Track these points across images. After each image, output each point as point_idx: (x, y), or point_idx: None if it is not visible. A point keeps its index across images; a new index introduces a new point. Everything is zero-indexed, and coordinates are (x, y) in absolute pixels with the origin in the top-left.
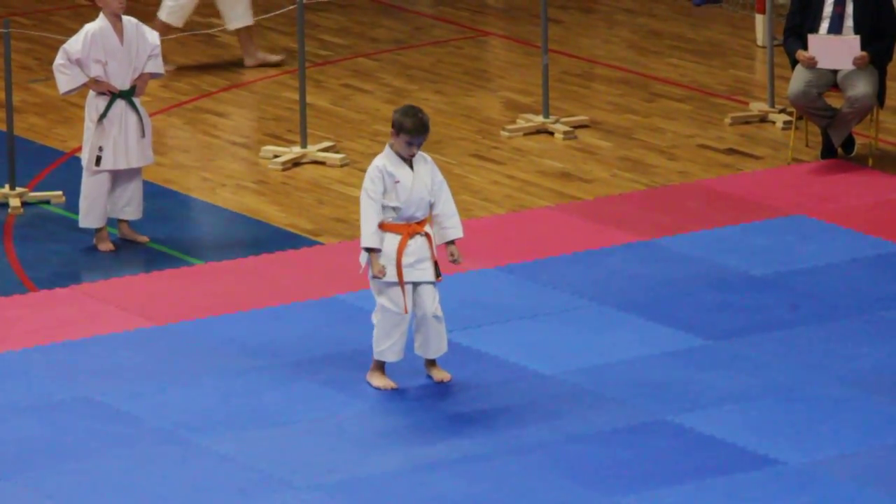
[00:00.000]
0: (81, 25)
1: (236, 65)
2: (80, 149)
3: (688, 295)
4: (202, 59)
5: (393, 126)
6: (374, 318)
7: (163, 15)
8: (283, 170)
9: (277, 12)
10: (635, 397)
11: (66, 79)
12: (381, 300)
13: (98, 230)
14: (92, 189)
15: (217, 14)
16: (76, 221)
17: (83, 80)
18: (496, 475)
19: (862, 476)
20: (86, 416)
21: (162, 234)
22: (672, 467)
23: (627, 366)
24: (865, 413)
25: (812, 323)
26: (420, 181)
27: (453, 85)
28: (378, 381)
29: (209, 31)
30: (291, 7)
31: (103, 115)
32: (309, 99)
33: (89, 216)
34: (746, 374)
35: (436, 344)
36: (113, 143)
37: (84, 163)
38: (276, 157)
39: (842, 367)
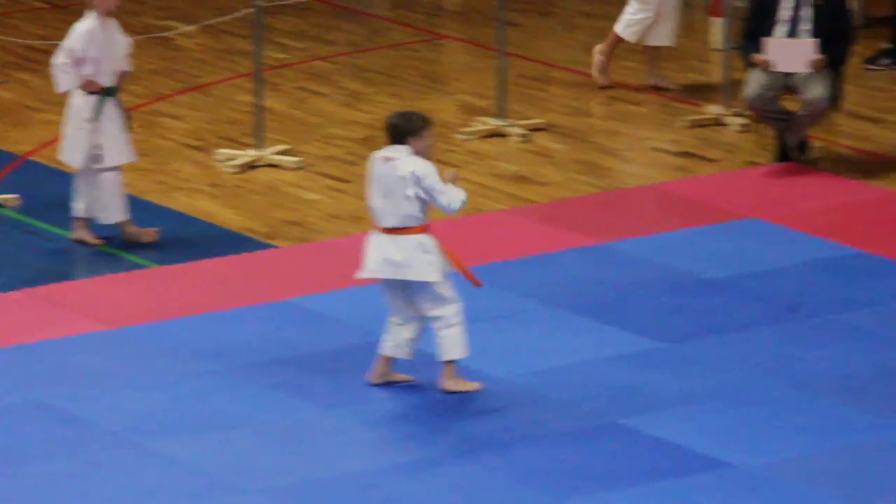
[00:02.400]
0: (40, 28)
1: (192, 68)
2: (33, 152)
3: (641, 298)
4: (158, 62)
5: (409, 134)
6: (448, 321)
7: (619, 28)
8: (238, 173)
9: (234, 15)
10: (587, 400)
11: (67, 77)
12: (451, 294)
13: (125, 223)
14: (109, 185)
15: (174, 17)
16: (30, 225)
17: (80, 79)
18: (447, 478)
19: (813, 479)
20: (37, 420)
21: (116, 238)
22: (623, 470)
23: (580, 369)
24: (817, 416)
25: (764, 326)
26: None
27: (409, 88)
28: (467, 384)
29: (165, 34)
30: (248, 10)
31: (99, 113)
32: (264, 102)
33: (117, 212)
34: (698, 377)
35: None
36: (113, 140)
37: (79, 165)
38: (230, 160)
39: (794, 370)
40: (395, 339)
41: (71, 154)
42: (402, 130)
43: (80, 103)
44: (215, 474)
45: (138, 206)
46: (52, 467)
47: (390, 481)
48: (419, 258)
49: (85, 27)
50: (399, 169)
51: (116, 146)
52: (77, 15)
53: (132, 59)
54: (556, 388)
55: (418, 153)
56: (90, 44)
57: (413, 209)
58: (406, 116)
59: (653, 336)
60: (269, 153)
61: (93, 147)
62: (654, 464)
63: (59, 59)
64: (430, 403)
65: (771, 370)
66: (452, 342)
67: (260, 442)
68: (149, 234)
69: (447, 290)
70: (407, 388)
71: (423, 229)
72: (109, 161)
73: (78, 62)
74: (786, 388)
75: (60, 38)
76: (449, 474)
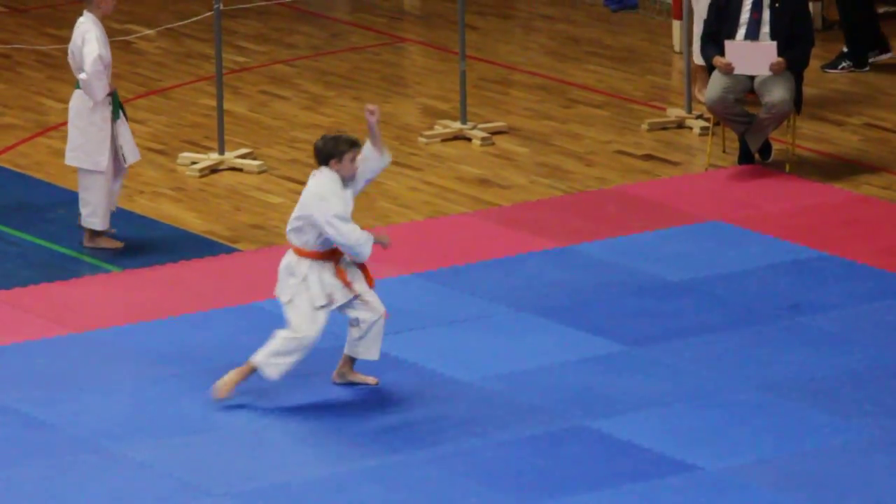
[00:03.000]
0: None
1: (153, 72)
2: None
3: (605, 301)
4: (119, 66)
5: (331, 157)
6: (281, 347)
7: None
8: (201, 176)
9: (194, 19)
10: (553, 403)
11: (102, 84)
12: (302, 322)
13: (103, 232)
14: (104, 190)
15: (134, 21)
16: None
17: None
18: (414, 482)
19: (778, 481)
20: (2, 425)
21: (79, 242)
22: (589, 473)
23: (545, 372)
24: (782, 418)
25: (729, 329)
26: (350, 203)
27: (371, 91)
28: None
29: (126, 38)
30: (208, 13)
31: (117, 114)
32: (226, 105)
33: (105, 217)
34: (663, 379)
35: (378, 346)
36: (126, 140)
37: (103, 167)
38: (193, 163)
39: (759, 372)
40: (348, 338)
41: (94, 157)
42: (324, 153)
43: (97, 108)
44: (181, 478)
45: None
46: (18, 472)
47: (356, 485)
48: (283, 277)
49: (97, 31)
50: (305, 190)
51: (130, 145)
52: (37, 19)
53: None
54: (521, 392)
55: (341, 177)
56: (106, 47)
57: (296, 231)
58: (332, 139)
59: (618, 339)
60: (231, 157)
61: (117, 147)
62: (621, 467)
63: (94, 68)
64: (396, 407)
65: (737, 373)
66: (273, 365)
67: (225, 446)
68: (114, 243)
69: (296, 317)
70: (372, 391)
71: (303, 253)
72: (130, 159)
73: (105, 67)
74: (752, 391)
75: (19, 41)
76: (415, 478)
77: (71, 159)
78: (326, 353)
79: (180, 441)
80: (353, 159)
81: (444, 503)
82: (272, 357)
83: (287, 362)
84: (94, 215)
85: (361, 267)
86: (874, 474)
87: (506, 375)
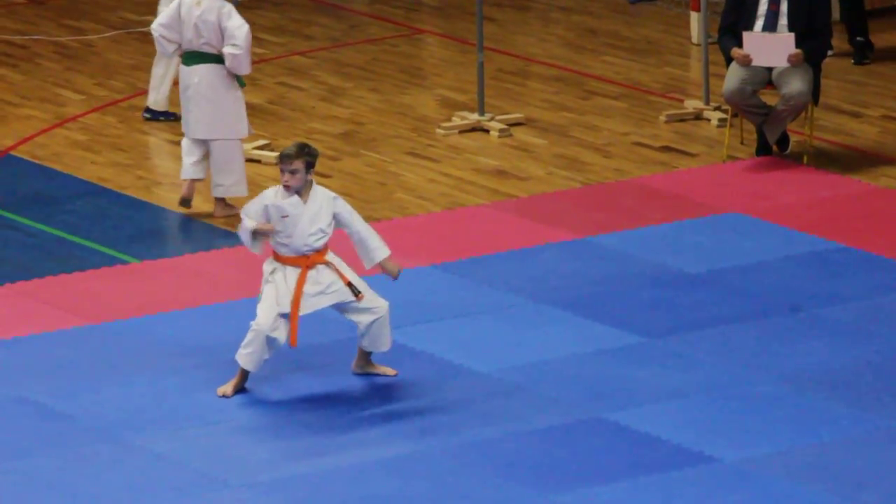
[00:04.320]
0: (17, 24)
1: None
2: (13, 147)
3: (623, 292)
4: (138, 57)
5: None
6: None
7: None
8: None
9: None
10: (571, 395)
11: (250, 58)
12: (260, 313)
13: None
14: (242, 156)
15: (152, 12)
16: (10, 220)
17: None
18: (431, 473)
19: (796, 473)
20: (20, 415)
21: (97, 233)
22: (607, 465)
23: (563, 363)
24: (800, 410)
25: (747, 320)
26: (311, 215)
27: (389, 83)
28: (226, 386)
29: (144, 30)
30: None
31: (242, 83)
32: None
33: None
34: (682, 371)
35: (386, 337)
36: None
37: (244, 133)
38: None
39: (776, 364)
40: (357, 333)
41: (234, 126)
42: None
43: (229, 80)
44: (199, 469)
45: (121, 202)
46: (36, 463)
47: (373, 476)
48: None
49: (230, 6)
50: None
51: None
52: (55, 10)
53: (113, 55)
54: (539, 383)
55: (286, 188)
56: None
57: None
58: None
59: (636, 330)
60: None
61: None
62: (639, 458)
63: (248, 41)
64: (413, 398)
65: (754, 364)
66: (241, 356)
67: (243, 437)
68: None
69: (259, 308)
70: (390, 382)
71: (271, 253)
72: (251, 128)
73: None
74: (770, 383)
75: (37, 33)
76: (432, 469)
77: (206, 133)
78: (344, 343)
79: (198, 432)
80: (287, 171)
81: (461, 494)
82: (241, 349)
83: (247, 353)
84: (240, 182)
85: (343, 272)
86: (892, 466)
87: (523, 367)
